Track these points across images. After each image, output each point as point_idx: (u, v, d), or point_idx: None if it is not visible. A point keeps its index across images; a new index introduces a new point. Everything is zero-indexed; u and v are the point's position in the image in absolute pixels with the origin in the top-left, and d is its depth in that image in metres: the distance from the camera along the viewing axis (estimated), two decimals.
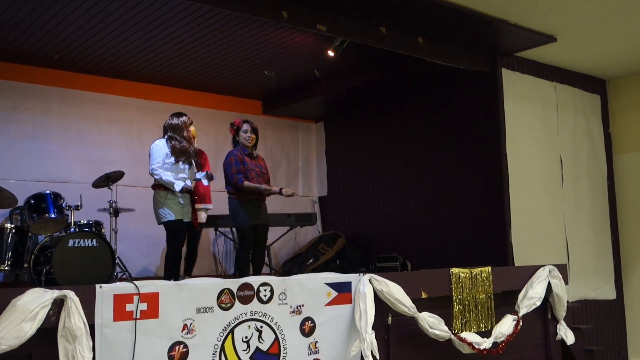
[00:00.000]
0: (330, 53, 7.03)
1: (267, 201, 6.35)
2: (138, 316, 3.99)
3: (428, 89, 8.22)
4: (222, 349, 4.35)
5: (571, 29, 6.94)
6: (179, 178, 5.92)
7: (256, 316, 4.52)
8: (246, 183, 5.97)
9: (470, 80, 7.62)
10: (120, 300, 3.94)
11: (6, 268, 5.94)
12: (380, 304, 5.04)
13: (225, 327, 4.38)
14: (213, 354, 4.30)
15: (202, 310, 4.28)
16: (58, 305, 3.70)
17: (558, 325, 6.45)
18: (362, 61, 7.79)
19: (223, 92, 8.91)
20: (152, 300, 4.07)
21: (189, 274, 6.66)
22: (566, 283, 6.49)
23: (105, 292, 3.90)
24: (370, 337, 4.82)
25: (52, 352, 3.65)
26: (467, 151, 7.73)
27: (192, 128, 6.29)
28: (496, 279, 5.95)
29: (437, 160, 8.12)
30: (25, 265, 5.87)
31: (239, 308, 4.44)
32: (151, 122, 8.28)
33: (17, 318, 3.51)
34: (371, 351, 4.80)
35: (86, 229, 6.08)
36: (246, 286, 4.51)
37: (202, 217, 6.82)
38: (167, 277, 5.78)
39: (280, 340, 4.62)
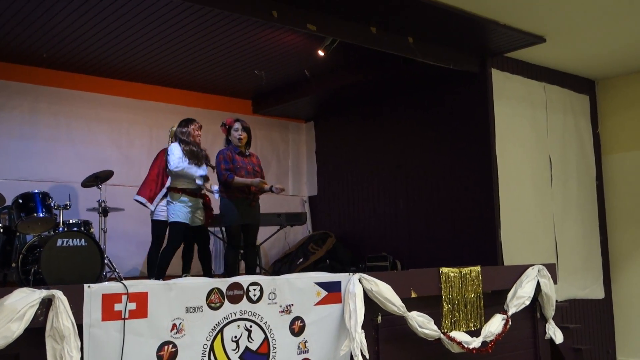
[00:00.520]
0: (321, 53, 7.03)
1: None
2: (127, 316, 3.98)
3: (418, 89, 8.23)
4: (212, 348, 4.34)
5: (560, 29, 6.97)
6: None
7: (245, 316, 4.52)
8: (237, 179, 5.96)
9: (460, 81, 7.63)
10: (108, 300, 3.93)
11: None
12: (370, 303, 5.05)
13: (214, 327, 4.37)
14: (202, 353, 4.30)
15: (191, 309, 4.27)
16: (46, 305, 3.69)
17: (547, 325, 6.48)
18: (352, 61, 7.79)
19: (213, 92, 8.89)
20: (141, 299, 4.06)
21: (209, 273, 6.63)
22: (555, 282, 6.53)
23: (93, 292, 3.88)
24: (359, 337, 4.83)
25: (40, 352, 3.64)
26: (456, 151, 7.75)
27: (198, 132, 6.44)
28: (485, 278, 5.98)
29: (427, 160, 8.13)
30: (13, 264, 5.82)
31: (228, 308, 4.44)
32: (141, 121, 8.26)
33: (5, 318, 3.49)
34: (360, 350, 4.81)
35: (75, 229, 6.03)
36: (235, 286, 4.50)
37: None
38: (158, 273, 5.99)
39: (270, 339, 4.62)
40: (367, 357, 4.85)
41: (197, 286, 4.35)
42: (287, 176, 9.74)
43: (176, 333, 4.19)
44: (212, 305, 4.37)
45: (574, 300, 8.01)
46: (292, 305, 4.76)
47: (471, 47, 7.28)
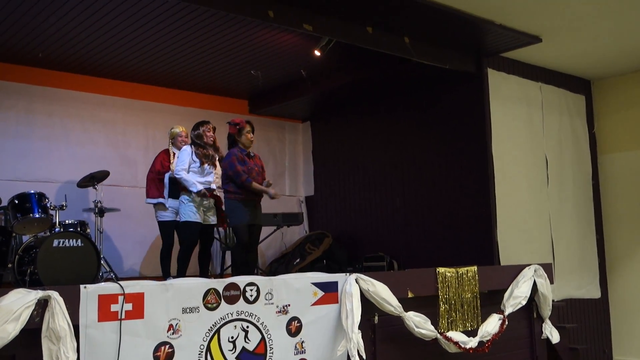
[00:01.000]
0: (317, 53, 7.02)
1: None
2: (123, 316, 3.96)
3: (415, 89, 8.24)
4: (208, 349, 4.33)
5: (556, 29, 6.98)
6: (203, 182, 6.35)
7: (242, 316, 4.51)
8: (254, 184, 6.13)
9: (456, 81, 7.64)
10: (105, 301, 3.91)
11: None
12: (367, 303, 5.05)
13: (211, 327, 4.36)
14: (199, 354, 4.29)
15: (187, 310, 4.26)
16: (42, 305, 3.67)
17: (543, 324, 6.48)
18: (348, 61, 7.79)
19: (209, 92, 8.88)
20: (138, 300, 4.04)
21: (205, 274, 6.65)
22: (551, 282, 6.53)
23: (89, 293, 3.87)
24: (356, 337, 4.82)
25: (36, 353, 3.62)
26: (453, 151, 7.75)
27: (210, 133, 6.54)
28: (482, 278, 5.98)
29: (424, 160, 8.14)
30: (10, 265, 5.81)
31: (225, 308, 4.43)
32: (136, 121, 8.24)
33: (0, 319, 3.47)
34: (357, 351, 4.80)
35: (71, 229, 6.03)
36: (232, 286, 4.49)
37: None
38: (179, 272, 6.25)
39: (267, 340, 4.61)
40: (364, 357, 4.85)
41: (193, 287, 4.34)
42: (284, 176, 9.74)
43: (173, 334, 4.18)
44: (209, 305, 4.36)
45: (571, 299, 8.02)
46: (289, 305, 4.75)
47: (467, 47, 7.29)
